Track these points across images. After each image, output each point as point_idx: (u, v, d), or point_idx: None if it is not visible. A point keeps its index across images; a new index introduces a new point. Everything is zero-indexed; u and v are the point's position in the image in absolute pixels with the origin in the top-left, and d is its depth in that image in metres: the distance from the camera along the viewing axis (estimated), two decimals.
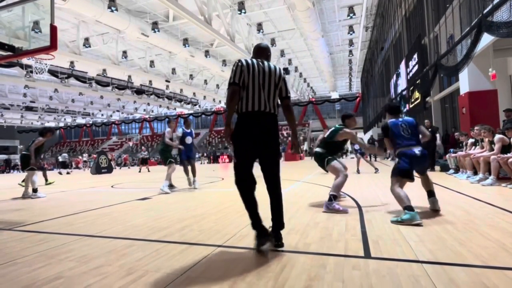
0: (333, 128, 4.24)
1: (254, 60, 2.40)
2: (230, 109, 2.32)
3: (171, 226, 3.17)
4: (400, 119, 3.58)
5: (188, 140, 6.62)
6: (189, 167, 6.71)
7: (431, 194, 3.52)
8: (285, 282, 1.74)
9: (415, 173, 3.46)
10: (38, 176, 6.63)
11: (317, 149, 4.30)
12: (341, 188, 3.92)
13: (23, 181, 9.51)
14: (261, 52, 2.56)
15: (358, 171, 9.43)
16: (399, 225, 2.84)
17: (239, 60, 2.37)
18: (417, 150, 3.34)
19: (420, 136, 3.45)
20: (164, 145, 6.50)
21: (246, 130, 2.32)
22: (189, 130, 6.72)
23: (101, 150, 34.27)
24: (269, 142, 2.36)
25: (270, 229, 2.39)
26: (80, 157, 29.36)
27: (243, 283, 1.75)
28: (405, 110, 15.25)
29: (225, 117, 2.36)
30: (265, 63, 2.43)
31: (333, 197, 3.73)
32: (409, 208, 2.93)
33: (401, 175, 3.31)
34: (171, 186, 6.44)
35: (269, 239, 2.28)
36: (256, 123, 2.32)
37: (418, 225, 2.80)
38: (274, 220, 2.40)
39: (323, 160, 4.12)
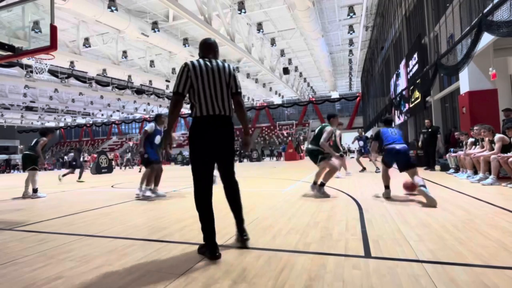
0: (320, 126, 4.97)
1: (202, 61, 2.31)
2: (172, 119, 2.31)
3: (171, 226, 3.18)
4: (391, 128, 4.60)
5: (157, 140, 5.65)
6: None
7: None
8: (285, 281, 1.74)
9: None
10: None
11: (310, 146, 4.99)
12: (331, 177, 4.80)
13: (79, 177, 10.40)
14: (209, 48, 2.44)
15: (363, 169, 9.54)
16: (399, 225, 2.85)
17: (186, 64, 2.28)
18: (397, 146, 4.28)
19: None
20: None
21: (202, 135, 2.27)
22: (160, 128, 5.72)
23: (101, 150, 34.29)
24: (224, 145, 2.34)
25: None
26: (87, 154, 28.44)
27: (244, 282, 1.75)
28: (404, 109, 15.24)
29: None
30: (213, 62, 2.34)
31: (322, 185, 4.70)
32: (385, 187, 4.41)
33: (383, 163, 4.47)
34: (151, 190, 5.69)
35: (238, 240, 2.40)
36: (210, 128, 2.27)
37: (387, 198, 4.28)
38: (236, 217, 2.45)
39: (316, 157, 4.85)
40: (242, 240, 2.39)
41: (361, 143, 10.35)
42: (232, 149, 2.41)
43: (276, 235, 2.68)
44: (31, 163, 6.40)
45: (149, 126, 5.58)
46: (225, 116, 2.32)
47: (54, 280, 1.88)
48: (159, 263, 2.11)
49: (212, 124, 2.28)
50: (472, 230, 2.60)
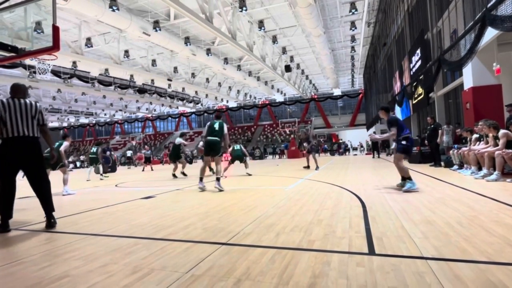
0: (217, 123, 5.94)
1: (10, 100, 3.30)
2: None
3: (175, 225, 3.19)
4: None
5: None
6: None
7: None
8: (290, 279, 1.74)
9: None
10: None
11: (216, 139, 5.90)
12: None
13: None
14: (18, 91, 3.41)
15: (315, 167, 10.38)
16: (403, 222, 2.84)
17: None
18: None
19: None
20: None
21: (8, 151, 3.22)
22: None
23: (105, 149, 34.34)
24: (27, 157, 3.30)
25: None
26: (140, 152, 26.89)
27: (248, 280, 1.75)
28: (405, 106, 15.04)
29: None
30: (22, 101, 3.34)
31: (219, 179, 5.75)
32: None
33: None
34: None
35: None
36: (16, 146, 3.24)
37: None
38: (45, 207, 3.35)
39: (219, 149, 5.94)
40: (49, 224, 3.31)
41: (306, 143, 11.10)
42: (36, 159, 3.37)
43: (280, 232, 2.69)
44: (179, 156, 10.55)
45: None
46: (29, 137, 3.31)
47: (60, 279, 1.90)
48: (164, 261, 2.12)
49: (16, 142, 3.25)
50: (476, 226, 2.59)
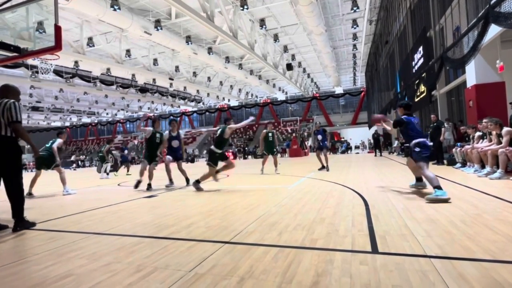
0: (220, 128, 5.81)
1: None
2: None
3: (178, 223, 3.20)
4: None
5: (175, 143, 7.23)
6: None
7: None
8: (293, 277, 1.74)
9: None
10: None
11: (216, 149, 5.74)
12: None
13: None
14: (4, 91, 3.43)
15: (325, 167, 9.05)
16: (406, 220, 2.83)
17: None
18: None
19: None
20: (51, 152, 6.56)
21: None
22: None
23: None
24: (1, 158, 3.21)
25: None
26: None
27: (251, 279, 1.76)
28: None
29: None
30: None
31: (198, 181, 5.80)
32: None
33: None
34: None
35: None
36: None
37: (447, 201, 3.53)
38: (13, 211, 3.26)
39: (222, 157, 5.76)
40: (14, 228, 3.24)
41: (320, 137, 9.34)
42: (6, 160, 3.26)
43: (283, 231, 2.69)
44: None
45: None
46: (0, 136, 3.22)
47: (64, 278, 1.91)
48: (167, 260, 2.12)
49: None
50: (480, 224, 2.58)
